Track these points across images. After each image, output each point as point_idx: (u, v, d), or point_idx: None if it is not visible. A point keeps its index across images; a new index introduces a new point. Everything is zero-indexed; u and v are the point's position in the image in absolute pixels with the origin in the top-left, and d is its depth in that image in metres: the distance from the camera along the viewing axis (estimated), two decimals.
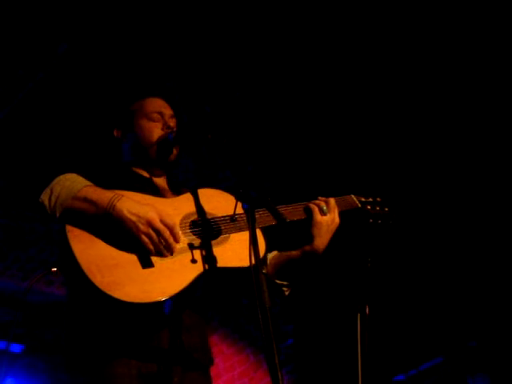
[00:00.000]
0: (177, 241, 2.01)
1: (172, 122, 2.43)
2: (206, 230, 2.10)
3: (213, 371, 2.18)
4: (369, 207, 2.50)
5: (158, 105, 2.48)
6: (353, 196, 2.50)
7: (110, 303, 1.86)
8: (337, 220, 2.33)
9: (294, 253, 2.33)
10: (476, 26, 3.87)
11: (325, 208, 2.32)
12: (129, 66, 4.33)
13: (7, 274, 6.11)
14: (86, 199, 1.99)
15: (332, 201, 2.36)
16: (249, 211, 1.85)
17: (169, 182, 2.44)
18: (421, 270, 4.61)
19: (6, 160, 4.95)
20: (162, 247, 1.98)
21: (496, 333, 4.19)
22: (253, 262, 1.71)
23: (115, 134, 2.48)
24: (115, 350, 1.93)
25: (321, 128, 4.81)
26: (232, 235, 2.14)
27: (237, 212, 2.16)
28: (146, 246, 1.96)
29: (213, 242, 2.07)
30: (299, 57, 4.32)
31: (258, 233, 2.12)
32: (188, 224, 2.12)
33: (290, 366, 5.33)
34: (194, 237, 2.09)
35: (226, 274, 2.08)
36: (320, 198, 2.38)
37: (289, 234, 2.45)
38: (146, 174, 2.38)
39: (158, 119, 2.42)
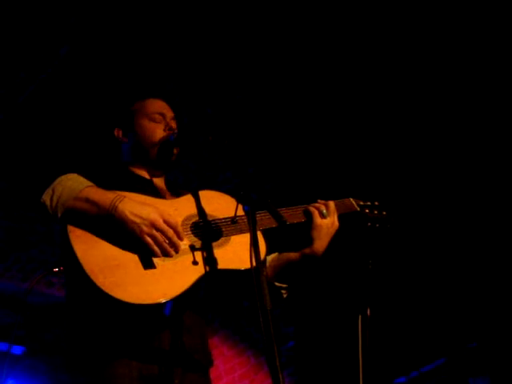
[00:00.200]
0: (181, 239, 2.01)
1: (174, 124, 2.44)
2: (207, 231, 2.10)
3: (213, 373, 2.18)
4: (367, 211, 2.51)
5: (159, 106, 2.48)
6: (351, 199, 2.51)
7: (112, 304, 1.86)
8: (336, 223, 2.34)
9: (293, 255, 2.33)
10: (476, 26, 3.87)
11: (324, 211, 2.33)
12: (130, 67, 4.33)
13: (7, 275, 6.11)
14: (87, 200, 1.99)
15: (332, 204, 2.37)
16: (250, 213, 1.85)
17: (167, 184, 2.45)
18: (422, 272, 4.61)
19: (7, 161, 4.96)
20: (166, 246, 1.98)
21: (497, 334, 4.19)
22: (254, 264, 1.71)
23: (115, 133, 2.48)
24: (116, 350, 1.93)
25: (320, 131, 4.82)
26: (233, 237, 2.14)
27: (237, 214, 2.16)
28: (151, 248, 1.96)
29: (214, 244, 2.08)
30: (300, 60, 4.33)
31: (259, 235, 2.12)
32: (189, 226, 2.12)
33: (291, 368, 5.33)
34: (195, 238, 2.09)
35: (226, 275, 2.08)
36: (319, 201, 2.38)
37: (288, 237, 2.45)
38: (145, 175, 2.38)
39: (159, 120, 2.42)
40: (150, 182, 2.36)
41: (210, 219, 2.15)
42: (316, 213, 2.32)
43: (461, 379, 4.30)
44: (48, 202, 2.03)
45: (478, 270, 4.34)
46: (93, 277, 1.87)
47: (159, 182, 2.41)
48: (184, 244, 2.05)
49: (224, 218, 2.17)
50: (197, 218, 2.15)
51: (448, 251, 4.51)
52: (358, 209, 2.49)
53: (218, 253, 2.05)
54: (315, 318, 5.30)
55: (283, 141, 4.94)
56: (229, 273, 2.06)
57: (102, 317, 1.95)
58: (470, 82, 4.15)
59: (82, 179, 2.10)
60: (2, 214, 5.47)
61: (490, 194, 4.32)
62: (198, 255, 2.04)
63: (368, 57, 4.23)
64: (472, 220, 4.38)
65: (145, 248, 1.97)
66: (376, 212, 2.52)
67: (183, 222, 2.12)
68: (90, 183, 2.09)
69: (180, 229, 2.03)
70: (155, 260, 1.98)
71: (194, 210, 2.18)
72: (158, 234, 1.97)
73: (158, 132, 2.39)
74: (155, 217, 1.97)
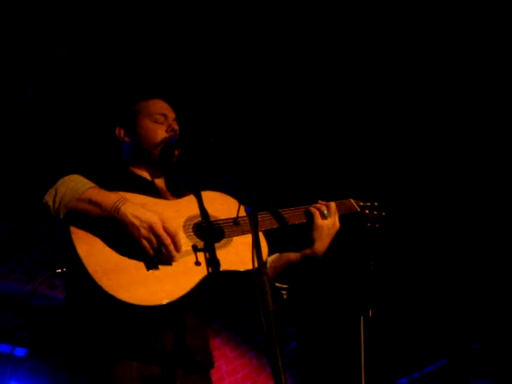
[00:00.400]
0: (178, 250, 1.99)
1: (176, 125, 2.44)
2: (210, 232, 2.11)
3: (215, 374, 2.18)
4: (367, 211, 2.52)
5: (161, 107, 2.49)
6: (352, 200, 2.52)
7: (114, 305, 1.86)
8: (337, 224, 2.35)
9: (293, 256, 2.33)
10: (476, 26, 3.87)
11: (326, 212, 2.33)
12: (130, 69, 4.34)
13: (11, 277, 6.12)
14: (90, 201, 1.99)
15: (333, 205, 2.37)
16: (252, 214, 1.85)
17: (167, 184, 2.45)
18: (424, 273, 4.60)
19: (8, 161, 4.97)
20: (161, 254, 1.97)
21: (501, 335, 4.18)
22: (256, 265, 1.71)
23: (117, 132, 2.47)
24: (117, 351, 1.93)
25: (320, 132, 4.82)
26: (235, 238, 2.15)
27: (239, 215, 2.16)
28: (146, 251, 1.96)
29: (216, 245, 2.08)
30: (301, 61, 4.33)
31: (261, 236, 2.13)
32: (191, 226, 2.12)
33: (293, 369, 5.32)
34: (197, 239, 2.09)
35: (229, 276, 2.08)
36: (320, 201, 2.38)
37: (288, 237, 2.46)
38: (146, 175, 2.38)
39: (161, 121, 2.43)
40: (152, 183, 2.37)
41: (212, 220, 2.16)
42: (317, 213, 2.32)
43: (464, 381, 4.28)
44: (51, 203, 2.02)
45: (481, 270, 4.33)
46: (96, 278, 1.87)
47: (160, 182, 2.41)
48: (186, 244, 2.05)
49: (226, 219, 2.17)
50: (199, 219, 2.15)
51: (451, 252, 4.50)
52: (359, 209, 2.50)
53: (221, 254, 2.05)
54: (317, 318, 5.29)
55: (284, 142, 4.94)
56: (231, 274, 2.06)
57: (104, 318, 1.95)
58: (469, 82, 4.14)
59: (84, 180, 2.10)
60: (3, 215, 5.48)
61: (493, 194, 4.31)
62: (201, 256, 2.04)
63: (368, 58, 4.23)
64: (477, 220, 4.37)
65: (144, 250, 1.97)
66: (375, 212, 2.53)
67: (185, 222, 2.12)
68: (92, 184, 2.08)
69: (179, 237, 2.00)
70: (157, 262, 1.98)
71: (196, 210, 2.18)
72: (154, 239, 1.96)
73: (160, 133, 2.39)
74: (155, 220, 1.96)
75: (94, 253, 1.94)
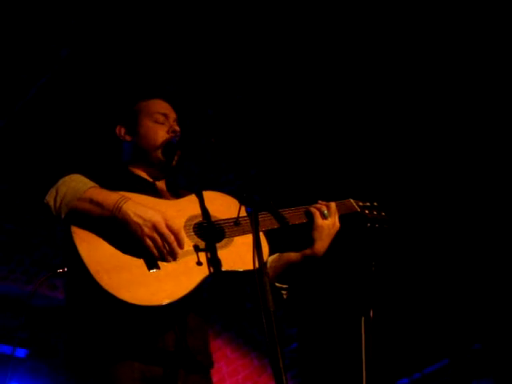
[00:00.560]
0: (181, 247, 2.00)
1: (177, 126, 2.44)
2: (211, 232, 2.10)
3: (216, 375, 2.18)
4: (367, 211, 2.52)
5: (162, 107, 2.49)
6: (351, 200, 2.53)
7: (115, 305, 1.86)
8: (337, 224, 2.35)
9: (293, 256, 2.33)
10: (476, 26, 3.87)
11: (326, 212, 2.33)
12: (130, 69, 4.34)
13: (11, 277, 6.12)
14: (91, 200, 1.99)
15: (333, 205, 2.37)
16: (253, 214, 1.85)
17: (167, 184, 2.45)
18: (425, 273, 4.60)
19: (10, 164, 4.97)
20: (165, 252, 1.97)
21: (501, 336, 4.18)
22: (257, 265, 1.71)
23: (117, 131, 2.47)
24: (118, 352, 1.93)
25: (320, 132, 4.82)
26: (236, 238, 2.15)
27: (239, 215, 2.16)
28: (150, 250, 1.96)
29: (217, 245, 2.08)
30: (301, 61, 4.33)
31: (262, 236, 2.12)
32: (192, 226, 2.12)
33: (294, 370, 5.32)
34: (198, 239, 2.09)
35: (230, 276, 2.08)
36: (320, 202, 2.39)
37: (288, 237, 2.46)
38: (145, 176, 2.38)
39: (162, 121, 2.42)
40: (152, 183, 2.37)
41: (213, 220, 2.16)
42: (317, 213, 2.32)
43: (464, 381, 4.28)
44: (52, 203, 2.02)
45: (482, 270, 4.33)
46: (97, 277, 1.87)
47: (160, 183, 2.41)
48: (188, 244, 2.05)
49: (226, 219, 2.17)
50: (200, 219, 2.15)
51: (452, 252, 4.50)
52: (359, 209, 2.50)
53: (222, 254, 2.05)
54: (318, 319, 5.29)
55: (284, 142, 4.94)
56: (232, 274, 2.06)
57: (105, 318, 1.94)
58: (469, 82, 4.14)
59: (85, 180, 2.10)
60: (5, 217, 5.48)
61: (493, 194, 4.31)
62: (202, 256, 2.04)
63: (367, 59, 4.23)
64: (477, 220, 4.37)
65: (147, 250, 1.97)
66: (375, 212, 2.54)
67: (186, 222, 2.12)
68: (93, 184, 2.08)
69: (182, 235, 2.02)
70: (159, 261, 1.98)
71: (197, 210, 2.18)
72: (158, 237, 1.96)
73: (161, 134, 2.39)
74: (158, 219, 1.97)
75: (95, 252, 1.93)
